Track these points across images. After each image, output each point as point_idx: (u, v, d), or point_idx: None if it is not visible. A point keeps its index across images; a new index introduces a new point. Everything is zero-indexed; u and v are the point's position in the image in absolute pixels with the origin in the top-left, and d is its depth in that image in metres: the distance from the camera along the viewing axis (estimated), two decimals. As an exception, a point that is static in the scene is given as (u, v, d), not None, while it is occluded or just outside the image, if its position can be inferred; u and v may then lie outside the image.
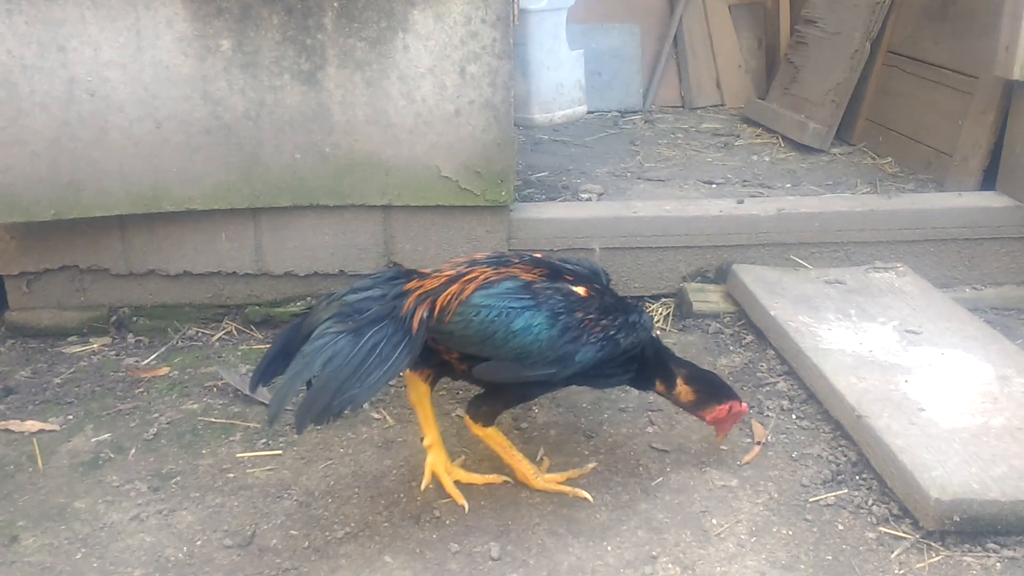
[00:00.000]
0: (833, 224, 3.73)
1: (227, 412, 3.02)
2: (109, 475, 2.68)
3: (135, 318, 3.60)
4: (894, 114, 4.84)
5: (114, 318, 3.58)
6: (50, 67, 3.21)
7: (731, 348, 3.40)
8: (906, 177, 4.52)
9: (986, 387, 2.80)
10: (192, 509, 2.53)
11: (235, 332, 3.58)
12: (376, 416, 2.98)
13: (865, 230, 3.73)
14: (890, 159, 4.76)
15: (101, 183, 3.35)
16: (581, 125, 5.51)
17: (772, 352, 3.29)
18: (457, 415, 2.96)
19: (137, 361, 3.37)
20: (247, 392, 3.08)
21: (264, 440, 2.85)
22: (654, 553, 2.33)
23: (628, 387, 3.04)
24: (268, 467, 2.72)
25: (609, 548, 2.36)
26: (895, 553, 2.31)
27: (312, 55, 3.32)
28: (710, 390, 2.62)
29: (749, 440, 2.82)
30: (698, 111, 6.05)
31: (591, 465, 2.68)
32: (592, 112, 5.72)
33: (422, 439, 2.67)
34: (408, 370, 2.51)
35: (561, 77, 5.15)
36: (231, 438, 2.87)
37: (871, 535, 2.38)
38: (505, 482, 2.60)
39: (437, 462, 2.57)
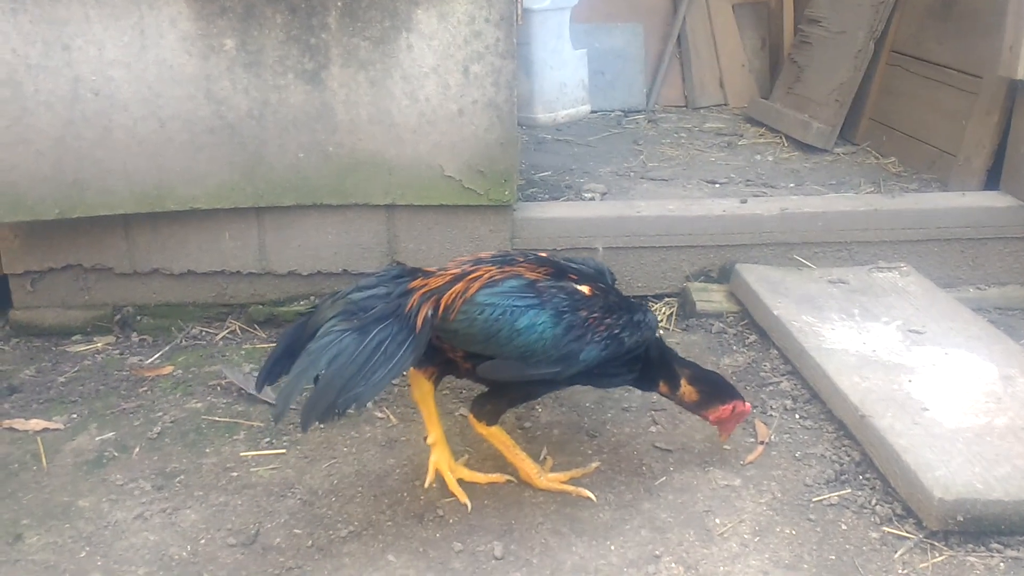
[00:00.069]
0: (836, 224, 3.73)
1: (231, 411, 3.03)
2: (113, 474, 2.69)
3: (139, 317, 3.60)
4: (898, 114, 4.84)
5: (118, 317, 3.59)
6: (54, 66, 3.22)
7: (734, 348, 3.40)
8: (910, 177, 4.52)
9: (990, 387, 2.79)
10: (196, 508, 2.53)
11: (239, 331, 3.58)
12: (380, 415, 2.98)
13: (868, 230, 3.73)
14: (894, 159, 4.76)
15: (105, 182, 3.36)
16: (584, 124, 5.51)
17: (775, 352, 3.29)
18: (460, 414, 2.97)
19: (141, 360, 3.37)
20: (251, 391, 3.08)
21: (268, 439, 2.85)
22: (657, 552, 2.33)
23: (631, 387, 3.05)
24: (272, 466, 2.72)
25: (612, 547, 2.36)
26: (898, 553, 2.31)
27: (316, 54, 3.33)
28: (714, 390, 2.63)
29: (752, 440, 2.82)
30: (701, 111, 6.05)
31: (594, 464, 2.68)
32: (595, 112, 5.73)
33: (425, 438, 2.67)
34: (412, 368, 2.52)
35: (564, 76, 5.15)
36: (235, 437, 2.88)
37: (874, 535, 2.38)
38: (508, 481, 2.60)
39: (441, 460, 2.58)
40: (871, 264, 3.70)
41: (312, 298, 3.64)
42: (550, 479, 2.58)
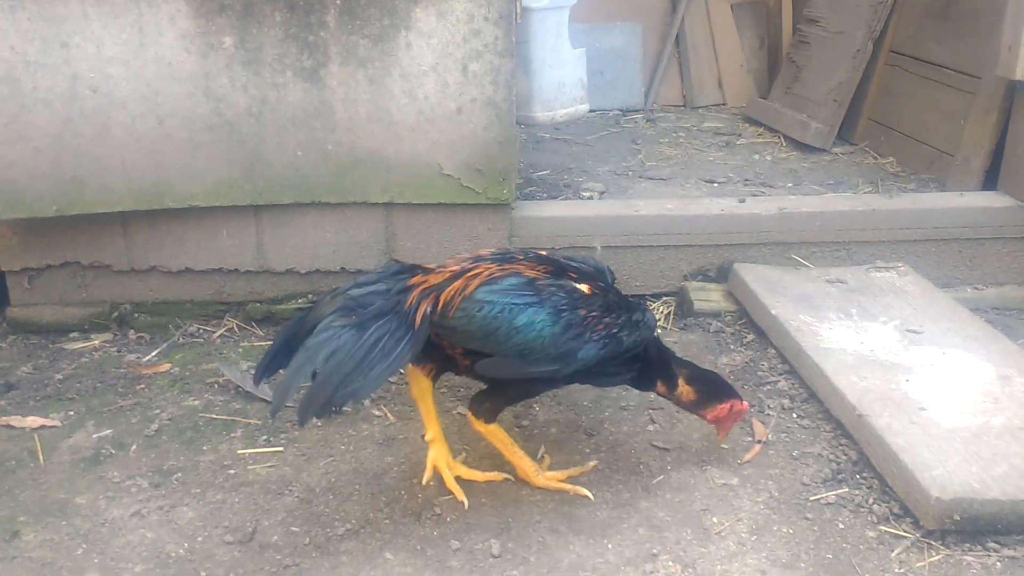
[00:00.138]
0: (834, 223, 3.73)
1: (228, 409, 3.03)
2: (110, 471, 2.68)
3: (136, 314, 3.60)
4: (896, 114, 4.84)
5: (116, 314, 3.59)
6: (53, 63, 3.21)
7: (732, 347, 3.40)
8: (908, 177, 4.52)
9: (987, 387, 2.80)
10: (193, 505, 2.53)
11: (236, 329, 3.58)
12: (377, 413, 2.98)
13: (866, 229, 3.73)
14: (892, 159, 4.76)
15: (103, 179, 3.35)
16: (583, 124, 5.51)
17: (773, 351, 3.29)
18: (458, 412, 2.97)
19: (138, 357, 3.37)
20: (248, 389, 3.08)
21: (265, 437, 2.85)
22: (655, 551, 2.33)
23: (629, 386, 3.05)
24: (269, 464, 2.72)
25: (610, 546, 2.36)
26: (895, 552, 2.32)
27: (315, 52, 3.32)
28: (711, 389, 2.63)
29: (750, 439, 2.82)
30: (700, 110, 6.05)
31: (592, 463, 2.68)
32: (594, 111, 5.72)
33: (423, 436, 2.67)
34: (410, 365, 2.52)
35: (563, 75, 5.14)
36: (232, 434, 2.88)
37: (871, 534, 2.39)
38: (506, 480, 2.60)
39: (439, 457, 2.58)
40: (869, 264, 3.70)
41: (310, 296, 3.64)
42: (548, 477, 2.58)
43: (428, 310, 2.33)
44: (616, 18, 6.07)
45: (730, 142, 5.24)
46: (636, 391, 3.03)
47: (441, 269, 2.47)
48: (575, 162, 4.81)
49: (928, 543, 2.33)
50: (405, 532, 2.41)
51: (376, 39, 3.33)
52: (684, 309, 3.64)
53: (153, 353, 3.41)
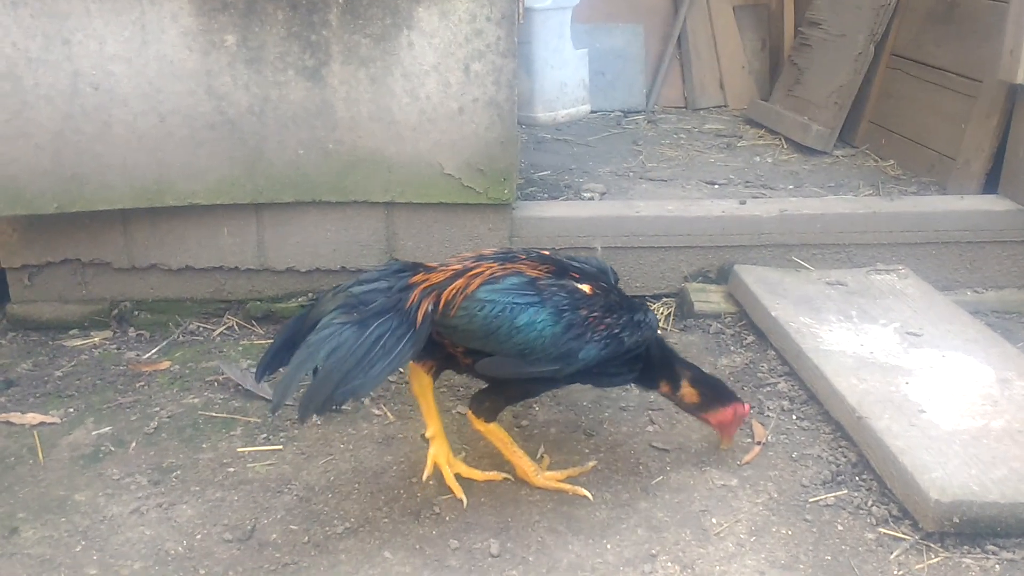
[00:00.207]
0: (835, 226, 3.73)
1: (228, 407, 3.02)
2: (109, 468, 2.68)
3: (136, 312, 3.60)
4: (897, 117, 4.84)
5: (115, 312, 3.59)
6: (55, 60, 3.21)
7: (732, 348, 3.40)
8: (908, 180, 4.52)
9: (987, 390, 2.80)
10: (192, 503, 2.53)
11: (236, 327, 3.58)
12: (377, 412, 2.98)
13: (867, 232, 3.73)
14: (893, 162, 4.76)
15: (104, 177, 3.35)
16: (584, 124, 5.51)
17: (773, 353, 3.29)
18: (458, 412, 2.97)
19: (138, 355, 3.37)
20: (248, 387, 3.08)
21: (265, 435, 2.85)
22: (654, 551, 2.33)
23: (629, 386, 3.05)
24: (268, 462, 2.72)
25: (609, 546, 2.36)
26: (894, 554, 2.32)
27: (317, 51, 3.33)
28: (715, 393, 2.63)
29: (749, 440, 2.82)
30: (701, 112, 6.05)
31: (591, 463, 2.68)
32: (595, 112, 5.72)
33: (422, 435, 2.67)
34: (412, 362, 2.52)
35: (565, 76, 5.14)
36: (232, 432, 2.88)
37: (870, 536, 2.39)
38: (505, 479, 2.60)
39: (439, 454, 2.58)
40: (869, 266, 3.70)
41: (310, 295, 3.64)
42: (547, 477, 2.58)
43: (429, 308, 2.33)
44: (618, 19, 6.07)
45: (731, 144, 5.24)
46: (636, 392, 3.05)
47: (443, 268, 2.47)
48: (576, 163, 4.81)
49: (927, 545, 2.33)
50: (404, 531, 2.41)
51: (378, 38, 3.33)
52: (684, 310, 3.64)
53: (153, 351, 3.41)
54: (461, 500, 2.51)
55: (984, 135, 4.07)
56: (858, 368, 2.90)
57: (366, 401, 3.01)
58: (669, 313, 3.64)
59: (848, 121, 5.06)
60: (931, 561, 2.29)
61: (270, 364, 2.43)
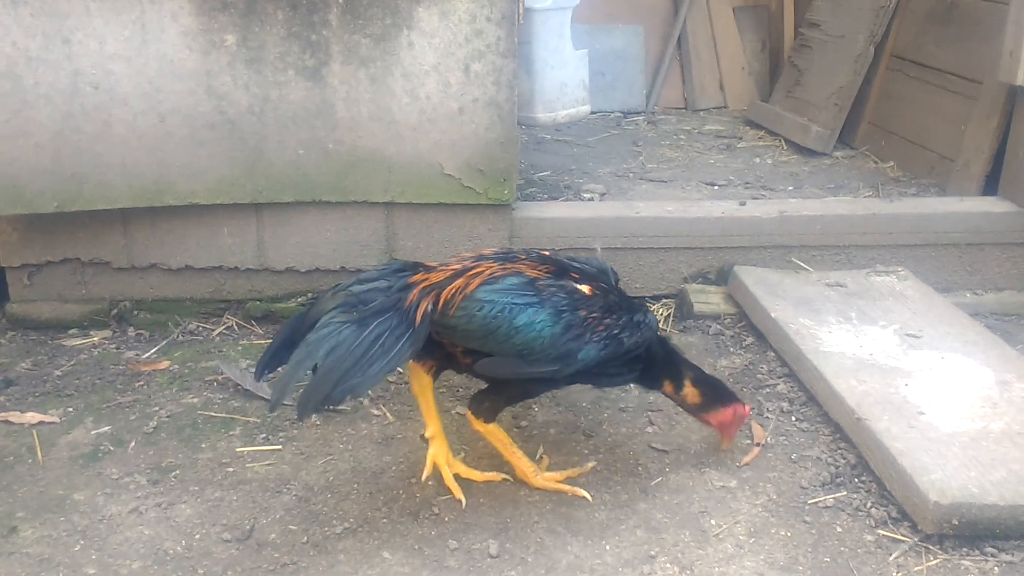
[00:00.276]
0: (835, 227, 3.73)
1: (227, 406, 3.02)
2: (108, 468, 2.68)
3: (136, 312, 3.60)
4: (897, 118, 4.84)
5: (115, 311, 3.59)
6: (55, 59, 3.21)
7: (731, 350, 3.40)
8: (908, 181, 4.52)
9: (986, 392, 2.80)
10: (191, 503, 2.53)
11: (236, 327, 3.58)
12: (376, 413, 2.98)
13: (867, 234, 3.73)
14: (892, 163, 4.76)
15: (104, 176, 3.35)
16: (584, 125, 5.51)
17: (772, 354, 3.29)
18: (457, 412, 2.96)
19: (137, 354, 3.37)
20: (247, 387, 3.08)
21: (264, 435, 2.85)
22: (652, 553, 2.33)
23: (628, 387, 3.06)
24: (267, 462, 2.72)
25: (608, 547, 2.36)
26: (893, 556, 2.32)
27: (317, 51, 3.32)
28: (715, 393, 2.63)
29: (748, 441, 2.82)
30: (701, 113, 6.06)
31: (590, 464, 2.68)
32: (595, 112, 5.72)
33: (421, 435, 2.67)
34: (411, 361, 2.52)
35: (565, 76, 5.14)
36: (231, 432, 2.87)
37: (869, 537, 2.39)
38: (504, 480, 2.60)
39: (439, 453, 2.57)
40: (869, 268, 3.70)
41: (310, 295, 3.64)
42: (546, 478, 2.58)
43: (429, 308, 2.33)
44: (618, 20, 6.07)
45: (731, 145, 5.24)
46: (635, 393, 3.05)
47: (442, 267, 2.47)
48: (576, 163, 4.81)
49: (926, 547, 2.33)
50: (403, 531, 2.41)
51: (378, 38, 3.33)
52: (684, 311, 3.64)
53: (152, 350, 3.41)
54: (460, 501, 2.51)
55: (984, 136, 4.07)
56: (857, 370, 2.90)
57: (365, 401, 3.01)
58: (669, 314, 3.64)
59: (848, 122, 5.06)
60: (930, 563, 2.29)
61: (270, 363, 2.43)
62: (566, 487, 2.56)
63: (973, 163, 4.12)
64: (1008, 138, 3.93)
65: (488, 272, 2.40)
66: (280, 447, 2.79)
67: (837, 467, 2.67)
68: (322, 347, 2.22)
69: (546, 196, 4.24)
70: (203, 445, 2.80)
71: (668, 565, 2.29)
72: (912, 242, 3.74)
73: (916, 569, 2.27)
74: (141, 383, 3.17)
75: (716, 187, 4.44)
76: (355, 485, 2.60)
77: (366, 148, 3.44)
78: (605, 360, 2.43)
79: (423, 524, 2.44)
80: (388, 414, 2.97)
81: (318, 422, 2.90)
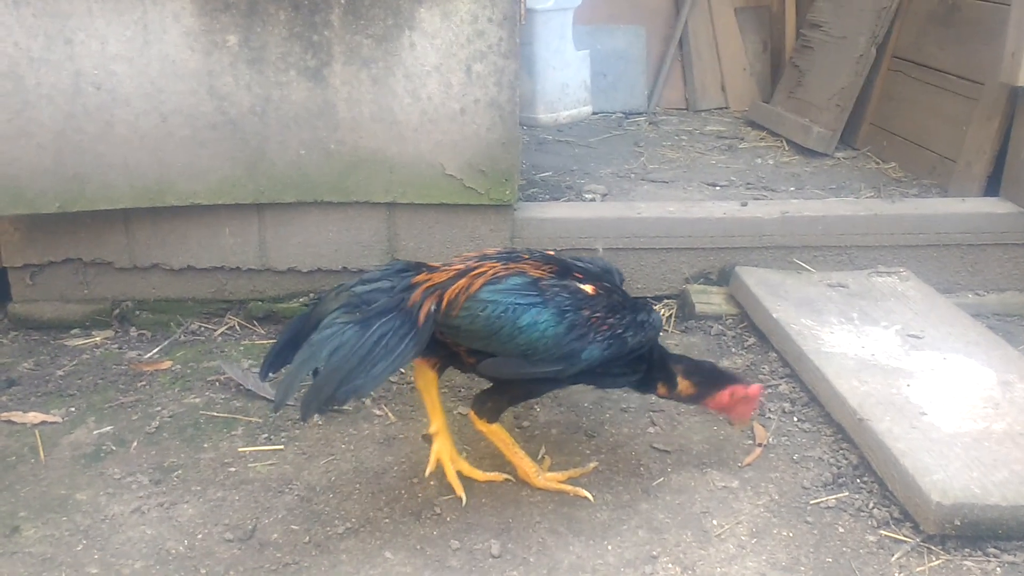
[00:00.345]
0: (836, 228, 3.73)
1: (229, 406, 3.03)
2: (111, 467, 2.69)
3: (138, 312, 3.60)
4: (899, 119, 4.84)
5: (117, 311, 3.59)
6: (57, 60, 3.22)
7: (733, 350, 3.40)
8: (910, 182, 4.52)
9: (988, 392, 2.80)
10: (193, 502, 2.53)
11: (238, 327, 3.58)
12: (378, 413, 2.98)
13: (868, 234, 3.73)
14: (894, 164, 4.76)
15: (106, 176, 3.36)
16: (585, 126, 5.52)
17: (774, 355, 3.29)
18: (459, 413, 2.96)
19: (139, 354, 3.37)
20: (249, 387, 3.09)
21: (266, 435, 2.85)
22: (654, 553, 2.33)
23: (632, 389, 3.05)
24: (269, 462, 2.72)
25: (610, 547, 2.36)
26: (895, 556, 2.32)
27: (318, 52, 3.33)
28: (707, 379, 2.59)
29: (750, 442, 2.82)
30: (702, 113, 6.06)
31: (592, 464, 2.68)
32: (597, 113, 5.73)
33: (423, 436, 2.67)
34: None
35: (566, 77, 5.15)
36: (233, 432, 2.88)
37: (871, 538, 2.39)
38: (507, 480, 2.60)
39: (443, 449, 2.57)
40: (870, 268, 3.70)
41: (311, 295, 3.64)
42: (548, 478, 2.58)
43: (432, 308, 2.33)
44: (619, 20, 6.07)
45: (732, 146, 5.25)
46: (637, 393, 3.04)
47: (446, 267, 2.47)
48: (577, 164, 4.81)
49: (928, 548, 2.33)
50: (405, 531, 2.41)
51: (380, 39, 3.33)
52: (685, 312, 3.64)
53: (154, 350, 3.41)
54: (461, 498, 2.51)
55: (985, 137, 4.07)
56: (859, 370, 2.90)
57: (367, 402, 3.02)
58: (670, 315, 3.64)
59: (849, 123, 5.06)
60: (932, 564, 2.29)
61: (273, 363, 2.43)
62: (568, 487, 2.56)
63: (975, 164, 4.12)
64: (1009, 139, 3.93)
65: (491, 272, 2.40)
66: (282, 447, 2.79)
67: (839, 468, 2.67)
68: (325, 347, 2.23)
69: (548, 197, 4.24)
70: (205, 445, 2.81)
71: (670, 565, 2.29)
72: (914, 243, 3.74)
73: (918, 570, 2.27)
74: (143, 383, 3.17)
75: (718, 188, 4.44)
76: (357, 485, 2.61)
77: (368, 148, 3.44)
78: (609, 360, 2.42)
79: (425, 524, 2.44)
80: (390, 414, 2.97)
81: (320, 422, 2.90)
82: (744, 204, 3.88)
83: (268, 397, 3.02)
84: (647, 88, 6.11)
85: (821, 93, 5.18)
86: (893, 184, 4.51)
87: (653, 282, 3.74)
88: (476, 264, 2.45)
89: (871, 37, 4.91)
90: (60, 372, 3.23)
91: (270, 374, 2.48)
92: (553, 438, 2.85)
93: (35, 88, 3.23)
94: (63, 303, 3.60)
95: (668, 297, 3.74)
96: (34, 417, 2.93)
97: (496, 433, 2.55)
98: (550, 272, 2.46)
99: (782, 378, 3.16)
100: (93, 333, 3.52)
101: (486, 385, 2.57)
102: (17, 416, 2.94)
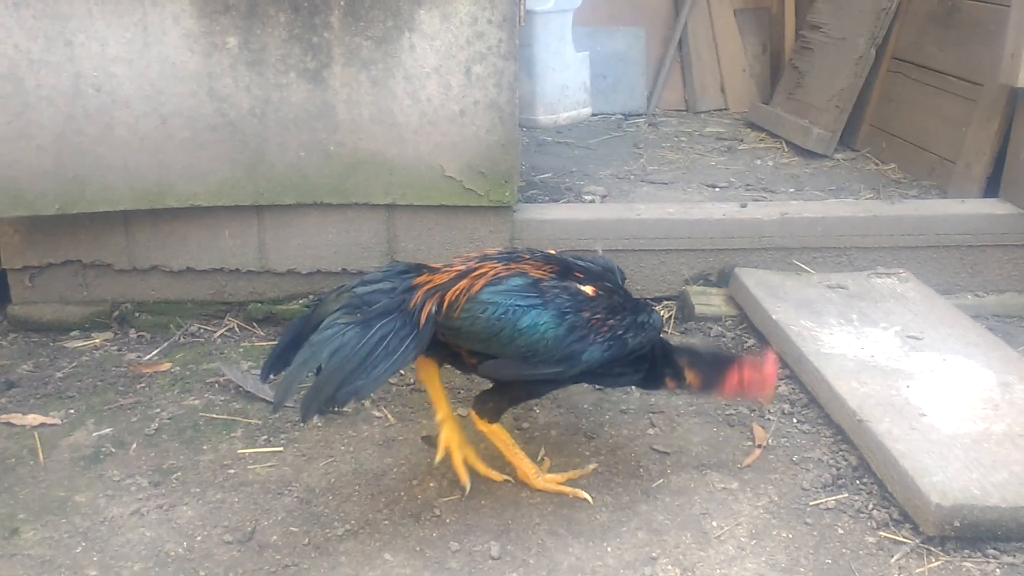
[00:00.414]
0: (836, 229, 3.73)
1: (228, 408, 3.03)
2: (110, 469, 2.68)
3: (137, 313, 3.60)
4: (898, 120, 4.84)
5: (116, 313, 3.59)
6: (56, 62, 3.22)
7: (733, 351, 3.40)
8: (909, 183, 4.52)
9: (987, 393, 2.80)
10: (192, 504, 2.53)
11: (237, 329, 3.58)
12: (377, 414, 2.98)
13: (868, 235, 3.73)
14: (894, 165, 4.76)
15: (106, 178, 3.36)
16: (585, 127, 5.51)
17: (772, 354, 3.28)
18: (459, 414, 2.96)
19: (139, 356, 3.37)
20: (248, 388, 3.08)
21: (265, 437, 2.85)
22: (654, 554, 2.33)
23: (630, 388, 3.06)
24: (269, 463, 2.72)
25: (609, 549, 2.36)
26: (895, 558, 2.31)
27: (318, 53, 3.33)
28: (712, 368, 2.56)
29: (750, 443, 2.82)
30: (702, 115, 6.06)
31: (592, 466, 2.68)
32: (596, 114, 5.73)
33: (423, 437, 2.68)
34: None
35: (566, 79, 5.15)
36: (232, 434, 2.88)
37: (871, 539, 2.39)
38: (506, 480, 2.60)
39: (451, 437, 2.56)
40: (870, 270, 3.70)
41: (311, 297, 3.64)
42: (548, 480, 2.58)
43: (433, 310, 2.33)
44: (619, 22, 6.07)
45: (732, 147, 5.25)
46: (637, 394, 3.06)
47: (446, 268, 2.47)
48: (577, 165, 4.81)
49: (928, 549, 2.33)
50: (404, 533, 2.41)
51: (379, 41, 3.33)
52: (685, 313, 3.64)
53: (154, 352, 3.41)
54: (465, 487, 2.50)
55: (985, 138, 4.07)
56: (859, 372, 2.90)
57: (367, 403, 3.01)
58: (670, 316, 3.64)
59: (849, 124, 5.06)
60: (932, 565, 2.29)
61: (275, 364, 2.43)
62: (567, 489, 2.56)
63: (974, 165, 4.12)
64: (1009, 140, 3.93)
65: (492, 273, 2.40)
66: (281, 449, 2.79)
67: (838, 469, 2.67)
68: (326, 348, 2.23)
69: (547, 198, 4.24)
70: (204, 447, 2.81)
71: (669, 567, 2.29)
72: (913, 244, 3.74)
73: (918, 571, 2.27)
74: (142, 385, 3.17)
75: (717, 189, 4.44)
76: (356, 487, 2.60)
77: (367, 150, 3.44)
78: (609, 361, 2.42)
79: (424, 526, 2.44)
80: (389, 416, 2.97)
81: (319, 424, 2.90)
82: (743, 205, 3.88)
83: (267, 399, 3.02)
84: (646, 90, 6.11)
85: (820, 94, 5.19)
86: (892, 185, 4.51)
87: (652, 284, 3.74)
88: (477, 265, 2.45)
89: (870, 38, 4.91)
90: (59, 374, 3.23)
91: (271, 376, 2.48)
92: (552, 440, 2.85)
93: (35, 90, 3.23)
94: (62, 305, 3.60)
95: (667, 298, 3.74)
96: (33, 419, 2.93)
97: (497, 433, 2.55)
98: (551, 272, 2.46)
99: (781, 379, 3.16)
100: (92, 335, 3.52)
101: (486, 386, 2.57)
102: (16, 418, 2.94)
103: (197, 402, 3.06)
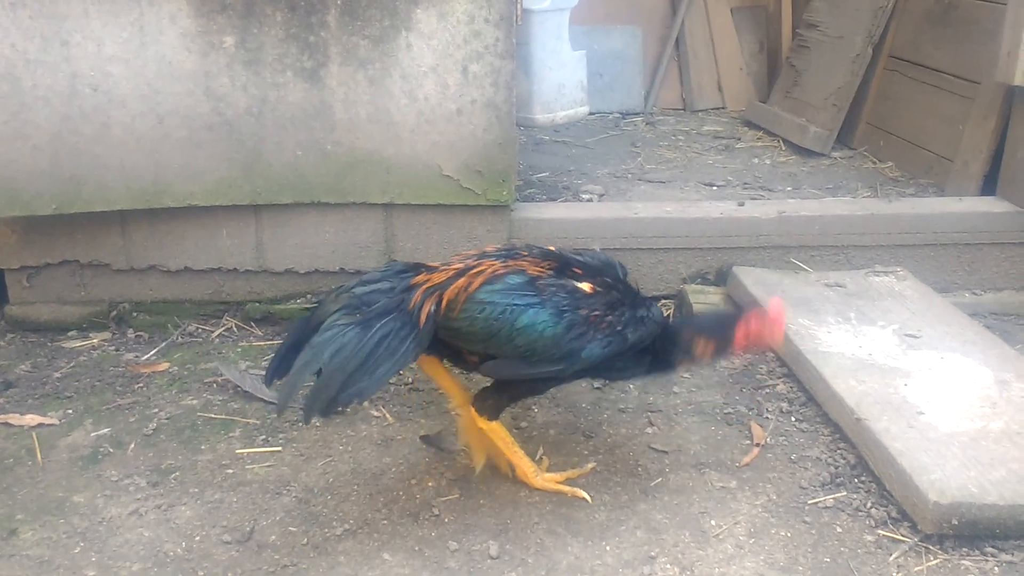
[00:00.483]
0: (833, 227, 3.73)
1: (226, 408, 3.02)
2: (108, 470, 2.68)
3: (135, 313, 3.60)
4: (895, 118, 4.85)
5: (114, 313, 3.58)
6: (53, 61, 3.21)
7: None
8: (907, 181, 4.53)
9: (985, 391, 2.80)
10: (191, 504, 2.52)
11: (235, 329, 3.58)
12: (376, 414, 2.98)
13: (865, 234, 3.74)
14: (891, 163, 4.77)
15: (103, 178, 3.35)
16: (582, 126, 5.52)
17: (772, 354, 3.29)
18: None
19: (137, 356, 3.37)
20: (246, 388, 3.08)
21: (263, 436, 2.85)
22: (653, 553, 2.33)
23: (628, 387, 3.06)
24: (267, 463, 2.72)
25: (608, 548, 2.36)
26: (893, 556, 2.32)
27: (315, 52, 3.32)
28: (718, 328, 2.53)
29: (748, 442, 2.82)
30: (699, 113, 6.06)
31: (590, 465, 2.68)
32: (593, 113, 5.73)
33: (421, 437, 2.67)
34: None
35: (563, 78, 5.15)
36: (230, 434, 2.87)
37: (869, 538, 2.39)
38: (504, 479, 2.60)
39: (469, 426, 2.57)
40: (868, 268, 3.70)
41: (309, 296, 3.64)
42: (546, 479, 2.58)
43: (432, 309, 2.33)
44: (616, 21, 6.07)
45: (729, 146, 5.25)
46: (635, 393, 3.06)
47: (445, 267, 2.46)
48: (574, 164, 4.81)
49: (926, 547, 2.33)
50: (403, 533, 2.41)
51: (376, 40, 3.33)
52: (683, 312, 3.64)
53: (152, 352, 3.41)
54: (475, 468, 2.55)
55: (982, 137, 4.07)
56: (857, 370, 2.91)
57: (365, 403, 3.01)
58: (668, 314, 3.64)
59: (846, 123, 5.06)
60: (930, 563, 2.29)
61: (279, 368, 2.42)
62: (566, 488, 2.56)
63: (971, 163, 4.12)
64: (1006, 138, 3.94)
65: (490, 270, 2.40)
66: (280, 449, 2.79)
67: (837, 467, 2.67)
68: (327, 349, 2.22)
69: (545, 197, 4.24)
70: (203, 447, 2.80)
71: (668, 566, 2.29)
72: (911, 242, 3.74)
73: (916, 569, 2.27)
74: (140, 385, 3.16)
75: (715, 188, 4.44)
76: (355, 487, 2.60)
77: (364, 149, 3.44)
78: (609, 357, 2.41)
79: (423, 525, 2.44)
80: (388, 415, 2.97)
81: (318, 424, 2.90)
82: (741, 204, 3.88)
83: (265, 399, 3.02)
84: (644, 88, 6.11)
85: (818, 93, 5.19)
86: (890, 183, 4.51)
87: (650, 282, 3.73)
88: (475, 263, 2.45)
89: (867, 37, 4.92)
90: (57, 374, 3.23)
91: (275, 380, 2.47)
92: (551, 439, 2.85)
93: (31, 90, 3.22)
94: (60, 305, 3.59)
95: (665, 297, 3.74)
96: (31, 419, 2.93)
97: (496, 431, 2.54)
98: (549, 268, 2.45)
99: (779, 378, 3.17)
100: (90, 335, 3.52)
101: (485, 383, 2.57)
102: (14, 418, 2.94)
103: (195, 402, 3.06)
